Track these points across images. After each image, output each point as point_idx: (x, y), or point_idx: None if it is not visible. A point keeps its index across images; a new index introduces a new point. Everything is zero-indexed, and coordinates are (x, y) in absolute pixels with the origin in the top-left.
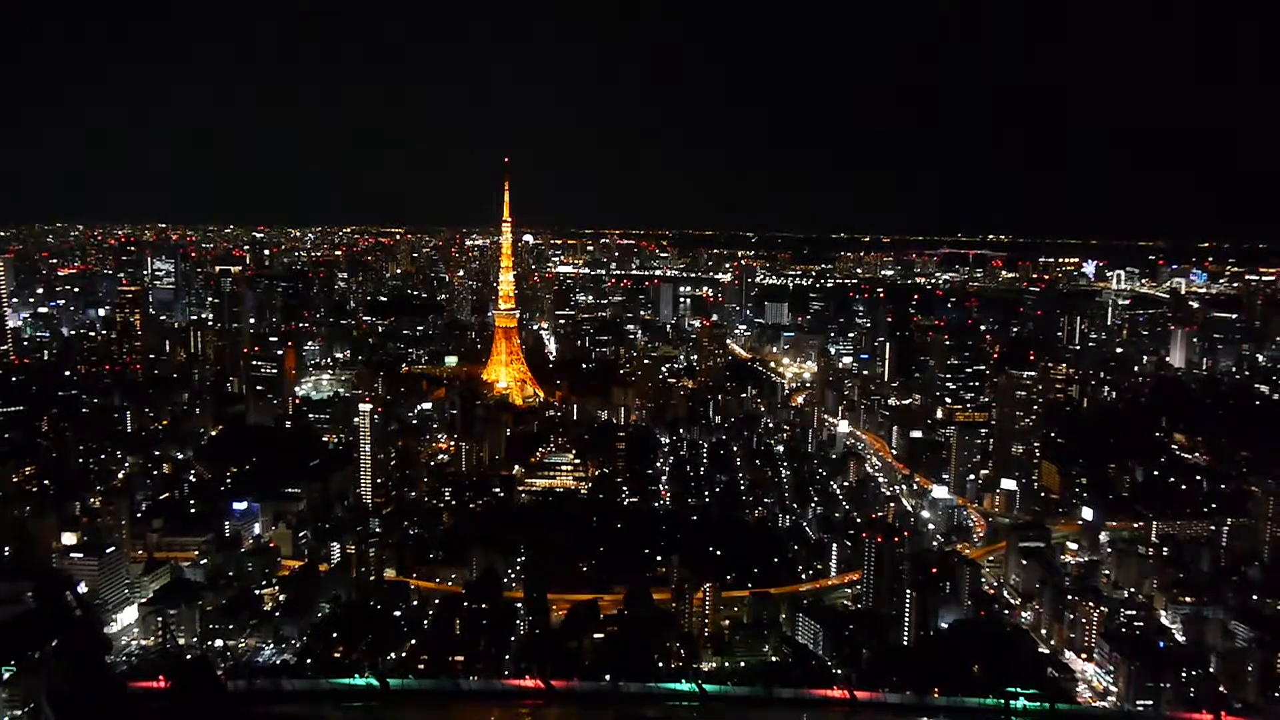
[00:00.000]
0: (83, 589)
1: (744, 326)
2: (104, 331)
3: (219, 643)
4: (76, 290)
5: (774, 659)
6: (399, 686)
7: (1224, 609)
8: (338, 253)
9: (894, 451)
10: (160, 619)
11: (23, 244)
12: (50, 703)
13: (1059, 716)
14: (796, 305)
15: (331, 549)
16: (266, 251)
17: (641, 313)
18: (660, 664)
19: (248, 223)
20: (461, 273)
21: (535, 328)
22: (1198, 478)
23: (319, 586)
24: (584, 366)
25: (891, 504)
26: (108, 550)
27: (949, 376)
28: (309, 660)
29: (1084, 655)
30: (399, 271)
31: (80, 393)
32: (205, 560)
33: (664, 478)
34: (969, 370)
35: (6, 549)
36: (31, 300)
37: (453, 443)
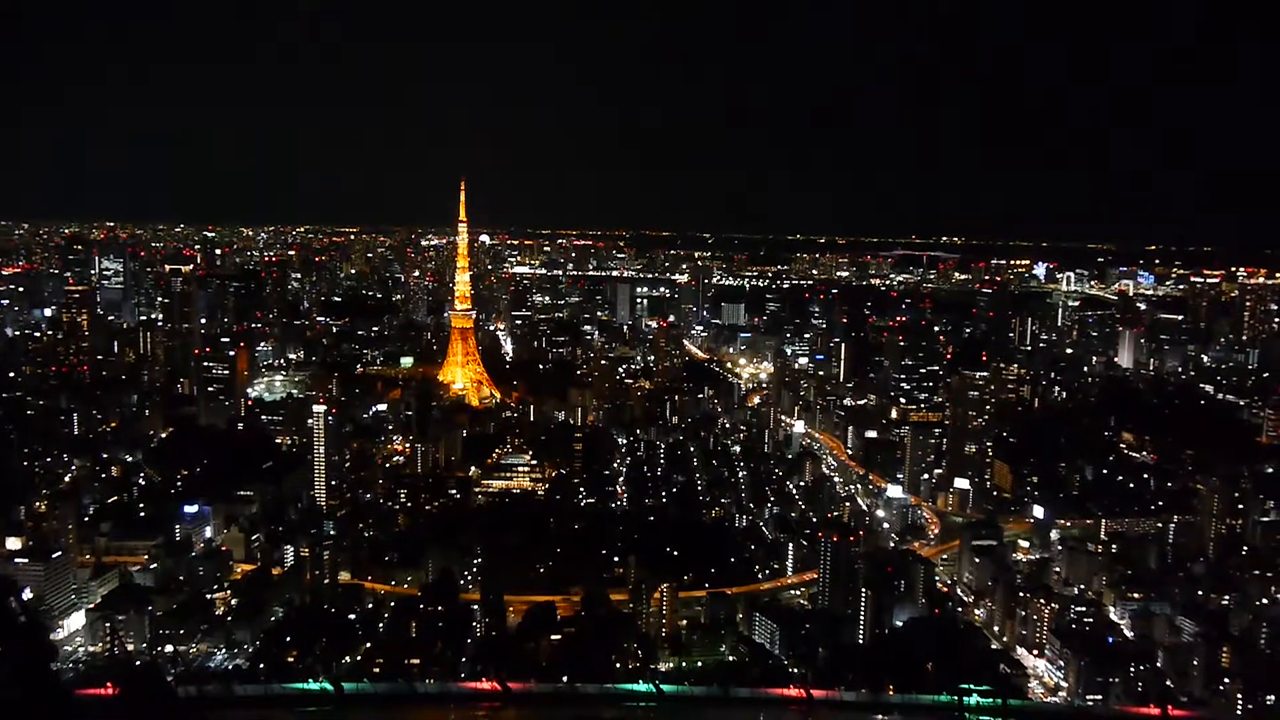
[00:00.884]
0: (27, 595)
1: (701, 327)
2: (50, 332)
3: (169, 648)
4: (20, 290)
5: (731, 659)
6: (354, 690)
7: (1171, 605)
8: (291, 252)
9: (849, 451)
10: (108, 625)
11: None
12: None
13: (1011, 712)
14: (753, 306)
15: (285, 552)
16: (218, 251)
17: (598, 313)
18: (617, 665)
19: (199, 222)
20: (417, 273)
21: (492, 328)
22: (1145, 476)
23: (272, 590)
24: (541, 367)
25: (847, 503)
26: (54, 555)
27: (903, 377)
28: (262, 665)
29: (1035, 651)
30: (353, 272)
31: (25, 394)
32: (155, 564)
33: (621, 478)
34: (923, 371)
35: None
36: None
37: (408, 444)
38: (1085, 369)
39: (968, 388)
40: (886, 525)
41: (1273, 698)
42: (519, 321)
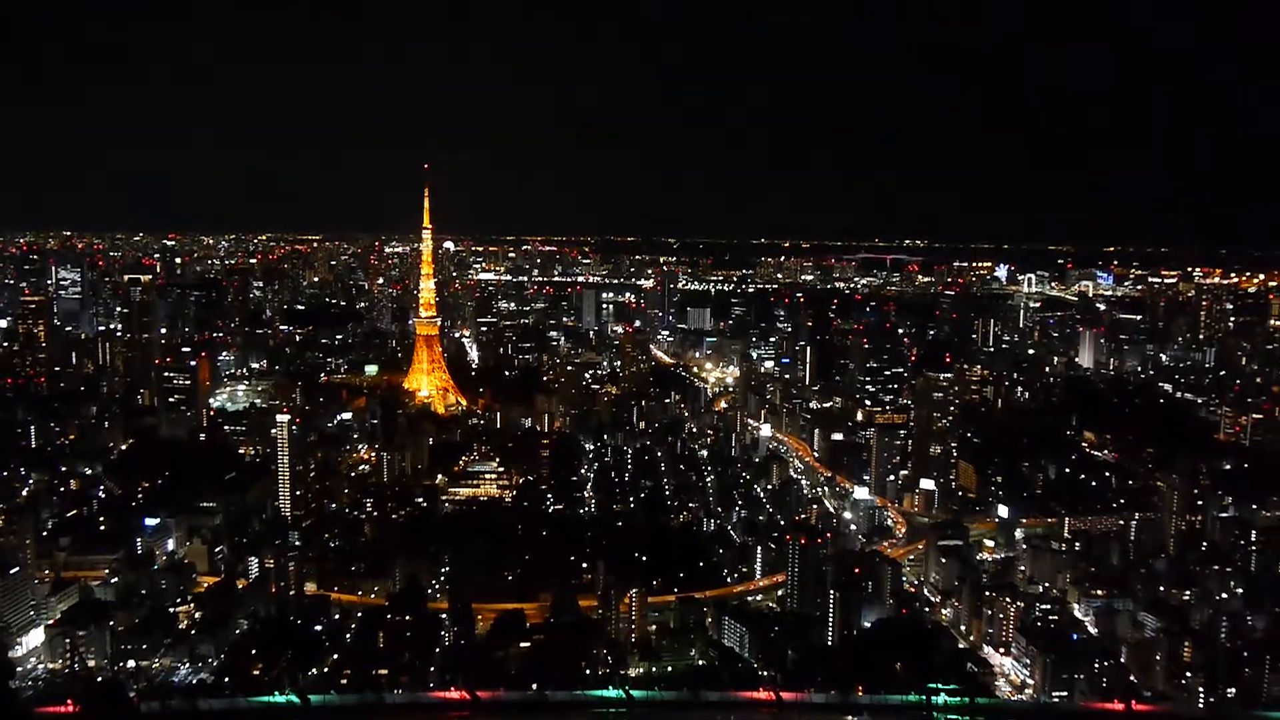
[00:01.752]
0: None
1: (667, 332)
2: (5, 343)
3: (131, 664)
4: None
5: (701, 663)
6: (321, 702)
7: (1133, 601)
8: (252, 260)
9: (816, 454)
10: (68, 641)
11: None
12: None
13: (979, 710)
14: (718, 311)
15: (249, 564)
16: (178, 260)
17: (564, 319)
18: (587, 671)
19: (158, 230)
20: (381, 280)
21: (457, 335)
22: (1107, 474)
23: (237, 602)
24: (507, 374)
25: (814, 506)
26: (11, 571)
27: (868, 379)
28: (227, 679)
29: (1002, 649)
30: (316, 279)
31: None
32: (116, 579)
33: (588, 484)
34: (888, 373)
35: None
36: None
37: (374, 453)
38: (1047, 369)
39: (932, 389)
40: (853, 527)
41: (1233, 690)
42: (484, 328)
